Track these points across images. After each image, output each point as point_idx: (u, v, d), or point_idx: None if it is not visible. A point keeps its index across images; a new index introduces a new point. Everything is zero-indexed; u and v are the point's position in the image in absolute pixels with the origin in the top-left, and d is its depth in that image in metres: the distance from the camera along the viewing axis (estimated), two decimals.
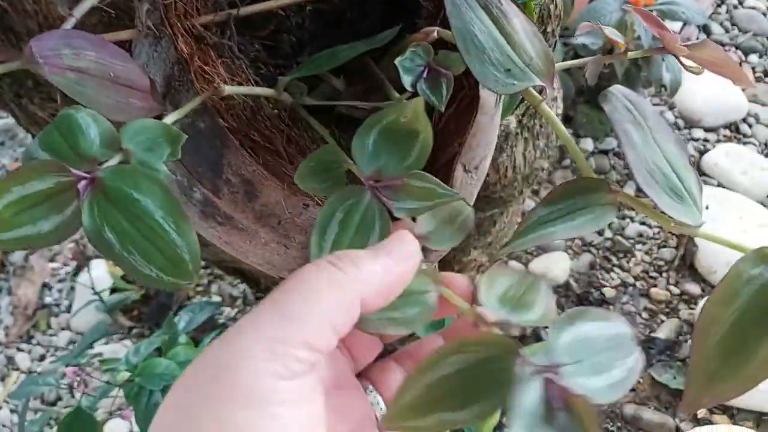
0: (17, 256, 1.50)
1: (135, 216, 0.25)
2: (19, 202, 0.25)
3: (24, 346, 1.38)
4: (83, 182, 0.25)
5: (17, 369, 1.35)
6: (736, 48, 1.66)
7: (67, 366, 0.80)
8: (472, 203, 0.37)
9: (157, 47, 0.33)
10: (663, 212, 0.29)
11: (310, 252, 0.28)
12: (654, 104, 1.53)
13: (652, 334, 1.25)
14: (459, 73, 0.32)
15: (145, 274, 0.25)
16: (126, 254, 0.25)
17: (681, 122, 1.49)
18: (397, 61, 0.30)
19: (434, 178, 0.28)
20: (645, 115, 0.30)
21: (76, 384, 0.66)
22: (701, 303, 1.27)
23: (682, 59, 0.34)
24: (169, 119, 0.28)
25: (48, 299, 1.43)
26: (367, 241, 0.29)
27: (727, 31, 1.70)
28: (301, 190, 0.32)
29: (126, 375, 0.69)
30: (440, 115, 0.34)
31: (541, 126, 0.64)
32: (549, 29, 0.54)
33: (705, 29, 1.69)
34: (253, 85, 0.35)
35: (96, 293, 1.01)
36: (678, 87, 1.34)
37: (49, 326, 1.40)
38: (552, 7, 0.51)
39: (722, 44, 1.68)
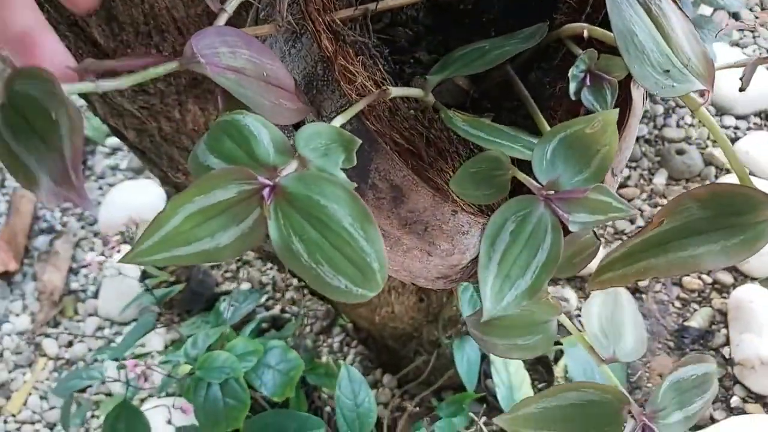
0: (41, 242, 1.48)
1: (322, 224, 0.23)
2: (199, 214, 0.23)
3: (51, 332, 1.37)
4: (266, 190, 0.23)
5: (45, 355, 1.35)
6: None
7: (116, 360, 0.79)
8: None
9: (295, 44, 0.31)
10: None
11: (479, 262, 0.27)
12: None
13: (685, 323, 1.25)
14: (622, 78, 0.30)
15: (333, 286, 0.24)
16: (314, 265, 0.23)
17: (712, 109, 1.48)
18: (570, 73, 0.29)
19: (613, 191, 0.26)
20: None
21: (137, 378, 0.65)
22: (733, 292, 1.27)
23: None
24: (337, 122, 0.27)
25: (74, 285, 1.41)
26: (536, 253, 0.27)
27: (756, 16, 1.68)
28: (449, 196, 0.31)
29: (187, 368, 0.68)
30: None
31: None
32: None
33: (734, 14, 1.67)
34: (388, 83, 0.33)
35: (147, 289, 1.00)
36: None
37: (76, 312, 1.39)
38: None
39: (751, 30, 1.66)
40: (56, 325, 1.39)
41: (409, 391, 1.17)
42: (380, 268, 0.23)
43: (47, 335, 1.37)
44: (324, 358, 1.25)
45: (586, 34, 0.32)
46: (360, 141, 0.26)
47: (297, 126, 0.32)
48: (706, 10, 1.56)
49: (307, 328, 1.29)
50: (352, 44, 0.32)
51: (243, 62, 0.27)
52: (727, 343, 1.22)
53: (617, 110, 0.27)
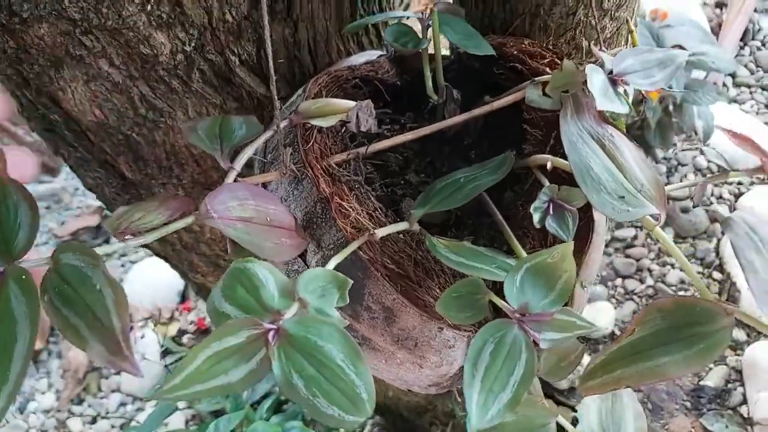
0: None
1: (319, 361, 0.27)
2: (214, 356, 0.27)
3: (75, 409, 1.40)
4: (271, 333, 0.28)
5: None
6: (762, 89, 1.69)
7: None
8: (582, 313, 0.39)
9: (297, 186, 0.36)
10: None
11: (464, 381, 0.31)
12: (685, 149, 1.55)
13: (701, 383, 1.25)
14: (582, 205, 0.34)
15: (327, 415, 0.27)
16: (311, 397, 0.27)
17: (713, 167, 1.52)
18: (533, 206, 0.33)
19: (576, 312, 0.30)
20: (764, 239, 0.33)
21: None
22: (747, 349, 1.27)
23: None
24: (331, 264, 0.31)
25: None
26: (514, 369, 0.31)
27: (752, 72, 1.74)
28: (436, 314, 0.35)
29: None
30: (555, 238, 0.37)
31: None
32: None
33: (731, 74, 1.73)
34: (379, 211, 0.38)
35: (167, 367, 1.04)
36: (711, 133, 1.36)
37: (99, 389, 1.42)
38: None
39: (748, 86, 1.71)
40: (80, 402, 1.42)
41: None
42: (369, 398, 0.27)
43: (71, 412, 1.40)
44: (341, 431, 1.27)
45: (549, 165, 0.36)
46: (351, 281, 0.30)
47: (302, 255, 0.37)
48: (699, 72, 1.61)
49: None
50: (346, 183, 0.37)
51: (250, 212, 0.32)
52: (745, 401, 1.22)
53: (572, 243, 0.31)
